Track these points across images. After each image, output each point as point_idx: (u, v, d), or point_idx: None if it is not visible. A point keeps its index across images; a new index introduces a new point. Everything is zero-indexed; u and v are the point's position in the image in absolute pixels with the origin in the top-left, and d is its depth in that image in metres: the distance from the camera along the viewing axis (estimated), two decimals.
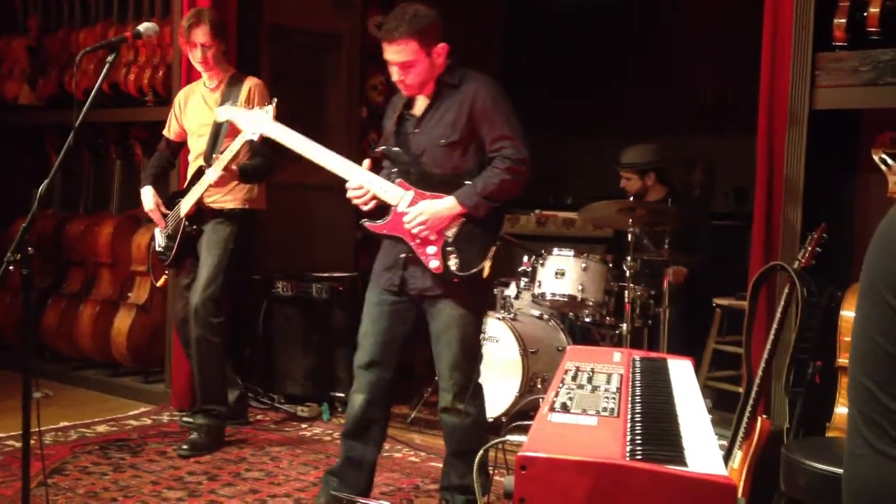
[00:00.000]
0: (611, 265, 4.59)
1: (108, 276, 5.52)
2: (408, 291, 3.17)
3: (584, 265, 4.46)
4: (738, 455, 3.12)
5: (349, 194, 3.15)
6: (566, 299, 4.49)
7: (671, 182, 5.15)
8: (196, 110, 4.25)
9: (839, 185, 3.71)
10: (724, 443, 3.11)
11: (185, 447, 4.12)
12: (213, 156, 4.00)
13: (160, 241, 4.29)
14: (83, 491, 3.58)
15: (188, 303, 4.23)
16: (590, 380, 2.04)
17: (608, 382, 2.02)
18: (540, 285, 4.55)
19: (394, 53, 3.02)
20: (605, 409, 1.79)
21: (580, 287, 4.44)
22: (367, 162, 3.15)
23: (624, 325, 4.30)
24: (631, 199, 4.73)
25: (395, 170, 3.15)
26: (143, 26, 3.04)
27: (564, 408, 1.79)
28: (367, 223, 3.18)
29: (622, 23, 7.82)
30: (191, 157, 4.29)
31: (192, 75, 4.61)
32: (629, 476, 1.50)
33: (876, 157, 3.27)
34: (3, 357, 5.61)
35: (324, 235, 5.84)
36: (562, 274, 4.48)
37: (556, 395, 1.88)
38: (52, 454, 4.00)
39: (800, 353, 3.34)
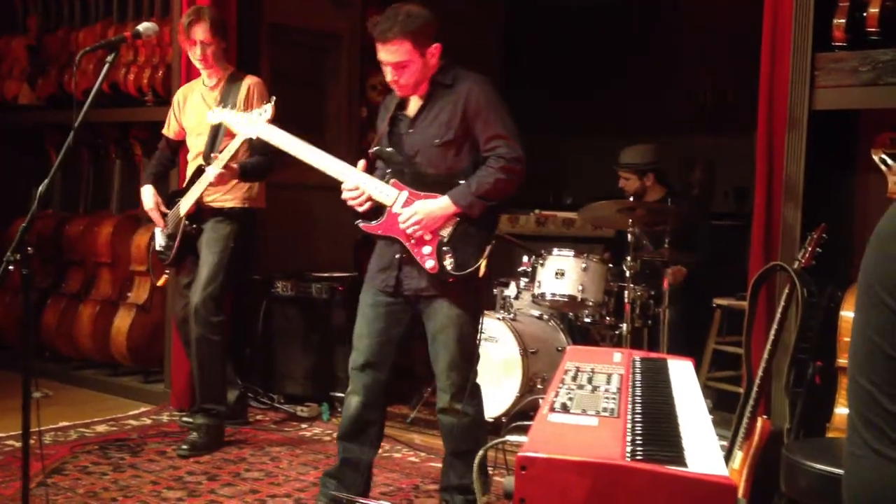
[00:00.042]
0: (610, 265, 4.59)
1: (108, 275, 5.52)
2: (403, 292, 3.17)
3: (584, 265, 4.46)
4: (738, 455, 3.12)
5: (344, 195, 3.15)
6: (566, 299, 4.49)
7: (669, 182, 5.15)
8: (195, 109, 4.24)
9: (838, 184, 3.71)
10: (725, 443, 3.11)
11: (184, 447, 4.11)
12: (212, 155, 4.00)
13: (160, 240, 4.29)
14: (83, 491, 3.58)
15: (189, 302, 4.23)
16: (590, 380, 2.04)
17: (608, 383, 2.02)
18: (540, 285, 4.55)
19: (387, 54, 3.02)
20: (605, 410, 1.79)
21: (580, 287, 4.44)
22: (361, 163, 3.15)
23: (624, 326, 4.30)
24: (631, 199, 4.73)
25: (389, 170, 3.15)
26: (143, 26, 3.04)
27: (564, 408, 1.79)
28: (361, 224, 3.18)
29: (622, 23, 7.82)
30: (190, 156, 4.29)
31: (191, 75, 4.61)
32: (629, 476, 1.50)
33: (876, 158, 3.27)
34: (2, 357, 5.61)
35: (324, 235, 5.84)
36: (562, 274, 4.48)
37: (556, 395, 1.88)
38: (52, 454, 4.00)
39: (800, 354, 3.34)
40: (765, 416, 3.19)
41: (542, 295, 4.55)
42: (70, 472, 3.82)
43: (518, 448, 1.57)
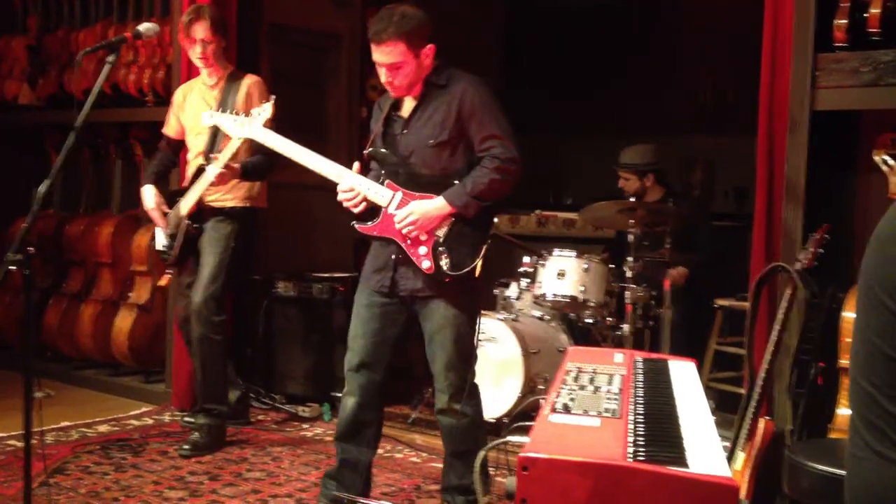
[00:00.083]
0: (611, 266, 4.59)
1: (109, 276, 5.52)
2: (398, 293, 3.16)
3: (585, 266, 4.46)
4: (740, 456, 3.11)
5: (340, 197, 3.15)
6: (567, 300, 4.49)
7: (669, 183, 5.15)
8: (195, 108, 4.23)
9: (839, 185, 3.71)
10: (727, 444, 3.11)
11: (186, 447, 4.11)
12: (212, 154, 4.00)
13: (162, 240, 4.28)
14: (85, 491, 3.58)
15: (190, 301, 4.23)
16: (591, 381, 2.04)
17: (610, 383, 2.02)
18: (541, 286, 4.55)
19: (382, 55, 3.02)
20: (606, 410, 1.79)
21: (581, 288, 4.44)
22: (356, 165, 3.15)
23: (625, 326, 4.29)
24: (631, 199, 4.73)
25: (384, 171, 3.16)
26: (143, 26, 3.04)
27: (566, 409, 1.79)
28: (357, 225, 3.18)
29: (622, 23, 7.82)
30: (190, 156, 4.29)
31: (192, 75, 4.60)
32: (631, 477, 1.50)
33: (877, 158, 3.27)
34: (3, 357, 5.61)
35: (324, 235, 5.84)
36: (563, 275, 4.48)
37: (558, 395, 1.88)
38: (54, 454, 4.00)
39: (802, 355, 3.34)
40: (767, 417, 3.19)
41: (544, 295, 4.55)
42: (72, 471, 3.82)
43: (519, 448, 1.57)
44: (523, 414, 4.30)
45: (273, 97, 3.62)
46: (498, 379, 4.45)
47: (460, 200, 3.05)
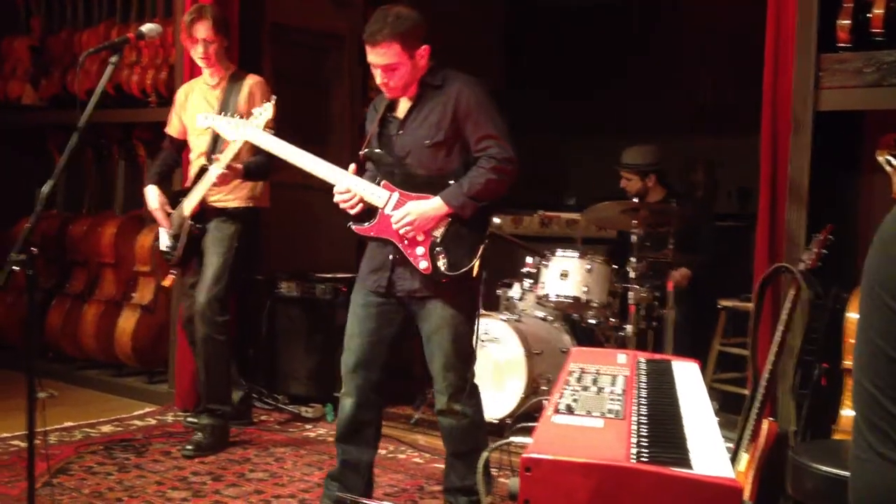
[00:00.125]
0: (614, 266, 4.58)
1: (112, 276, 5.53)
2: (395, 293, 3.16)
3: (588, 266, 4.46)
4: (744, 458, 3.11)
5: (336, 199, 3.15)
6: (570, 301, 4.49)
7: (670, 183, 5.15)
8: (196, 108, 4.22)
9: (843, 185, 3.71)
10: (730, 445, 3.11)
11: (189, 447, 4.11)
12: (214, 155, 4.00)
13: (165, 240, 4.28)
14: (88, 491, 3.58)
15: (194, 302, 4.23)
16: (594, 381, 2.03)
17: (613, 384, 2.02)
18: (544, 286, 4.55)
19: (377, 56, 3.01)
20: (609, 411, 1.79)
21: (585, 288, 4.44)
22: (352, 166, 3.15)
23: (628, 327, 4.29)
24: (635, 200, 4.73)
25: (380, 172, 3.15)
26: (146, 27, 3.04)
27: (569, 409, 1.79)
28: (353, 226, 3.18)
29: (622, 23, 7.81)
30: (192, 156, 4.28)
31: (194, 75, 4.60)
32: (634, 478, 1.50)
33: (880, 159, 3.27)
34: (7, 357, 5.62)
35: (327, 235, 5.84)
36: (566, 275, 4.47)
37: (561, 396, 1.88)
38: (57, 454, 4.00)
39: (806, 356, 3.33)
40: (771, 418, 3.19)
41: (547, 296, 4.54)
42: (75, 472, 3.82)
43: (522, 449, 1.57)
44: (526, 415, 4.30)
45: (274, 98, 3.62)
46: (501, 380, 4.45)
47: (457, 201, 3.05)
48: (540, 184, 7.23)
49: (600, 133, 7.30)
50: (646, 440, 1.63)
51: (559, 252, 4.56)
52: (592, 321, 4.60)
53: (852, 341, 3.02)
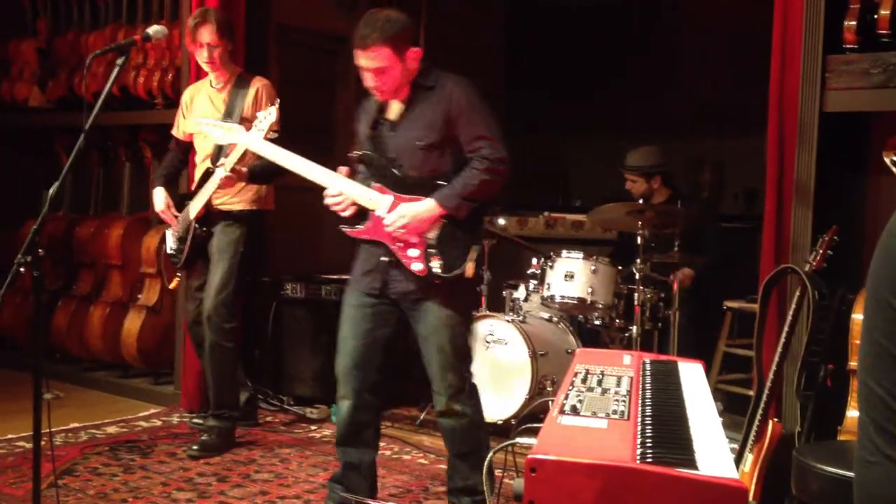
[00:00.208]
0: (619, 267, 4.58)
1: (118, 277, 5.54)
2: (389, 295, 3.15)
3: (593, 268, 4.45)
4: (749, 459, 3.11)
5: (327, 202, 3.14)
6: (576, 302, 4.49)
7: (675, 184, 5.14)
8: (202, 111, 4.23)
9: (849, 186, 3.70)
10: (735, 446, 3.10)
11: (194, 448, 4.12)
12: (219, 159, 4.00)
13: (171, 243, 4.29)
14: (93, 492, 3.59)
15: (199, 304, 4.23)
16: (600, 382, 2.03)
17: (618, 385, 2.02)
18: (549, 287, 4.55)
19: (367, 60, 3.01)
20: (615, 412, 1.78)
21: (590, 290, 4.43)
22: (344, 169, 3.14)
23: (634, 328, 4.29)
24: (640, 201, 4.72)
25: (371, 174, 3.15)
26: (153, 29, 3.04)
27: (574, 410, 1.79)
28: (346, 229, 3.18)
29: (622, 23, 7.80)
30: (198, 159, 4.29)
31: (200, 77, 4.61)
32: (639, 479, 1.49)
33: (887, 160, 3.26)
34: (13, 358, 5.64)
35: (332, 237, 5.82)
36: (571, 276, 4.47)
37: (566, 397, 1.88)
38: (63, 455, 4.01)
39: (811, 357, 3.32)
40: (776, 419, 3.18)
41: (552, 297, 4.54)
42: (81, 473, 3.83)
43: (527, 450, 1.57)
44: (531, 416, 4.29)
45: (277, 101, 3.62)
46: (506, 380, 4.45)
47: (451, 202, 3.04)
48: (539, 184, 7.24)
49: (600, 133, 7.29)
50: (651, 441, 1.63)
51: (564, 253, 4.56)
52: (597, 322, 4.59)
53: (858, 342, 3.01)
